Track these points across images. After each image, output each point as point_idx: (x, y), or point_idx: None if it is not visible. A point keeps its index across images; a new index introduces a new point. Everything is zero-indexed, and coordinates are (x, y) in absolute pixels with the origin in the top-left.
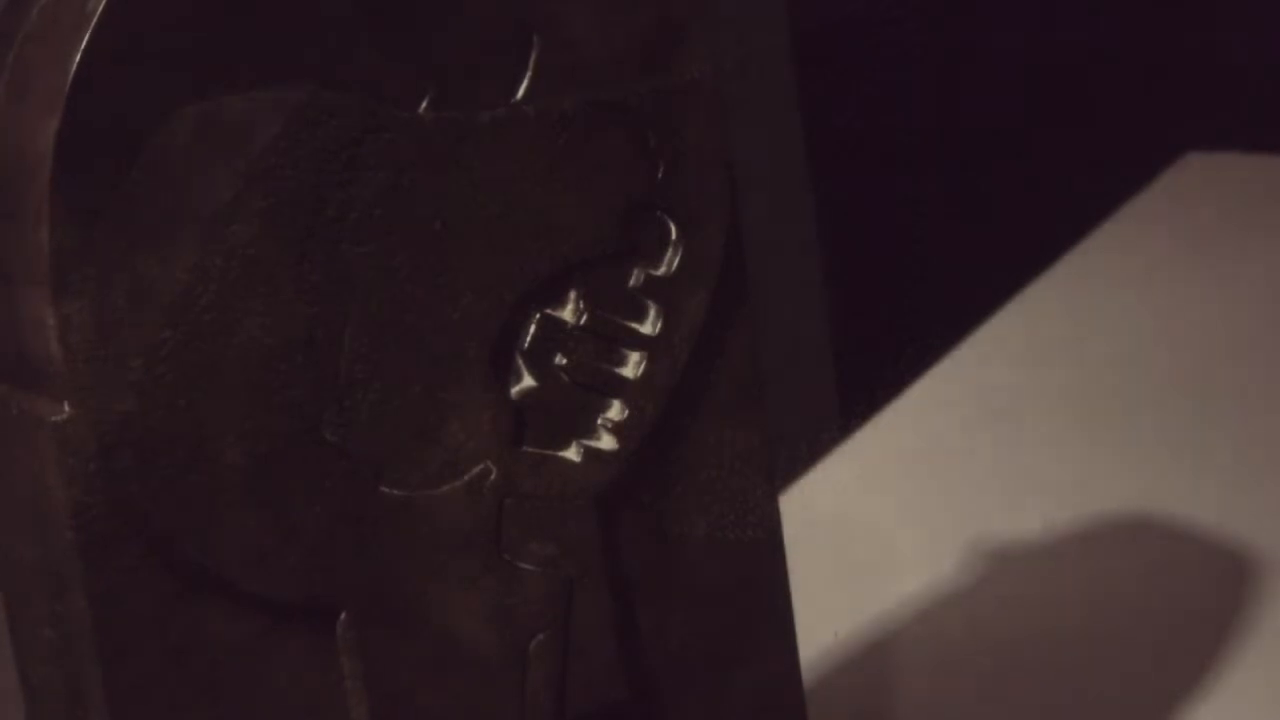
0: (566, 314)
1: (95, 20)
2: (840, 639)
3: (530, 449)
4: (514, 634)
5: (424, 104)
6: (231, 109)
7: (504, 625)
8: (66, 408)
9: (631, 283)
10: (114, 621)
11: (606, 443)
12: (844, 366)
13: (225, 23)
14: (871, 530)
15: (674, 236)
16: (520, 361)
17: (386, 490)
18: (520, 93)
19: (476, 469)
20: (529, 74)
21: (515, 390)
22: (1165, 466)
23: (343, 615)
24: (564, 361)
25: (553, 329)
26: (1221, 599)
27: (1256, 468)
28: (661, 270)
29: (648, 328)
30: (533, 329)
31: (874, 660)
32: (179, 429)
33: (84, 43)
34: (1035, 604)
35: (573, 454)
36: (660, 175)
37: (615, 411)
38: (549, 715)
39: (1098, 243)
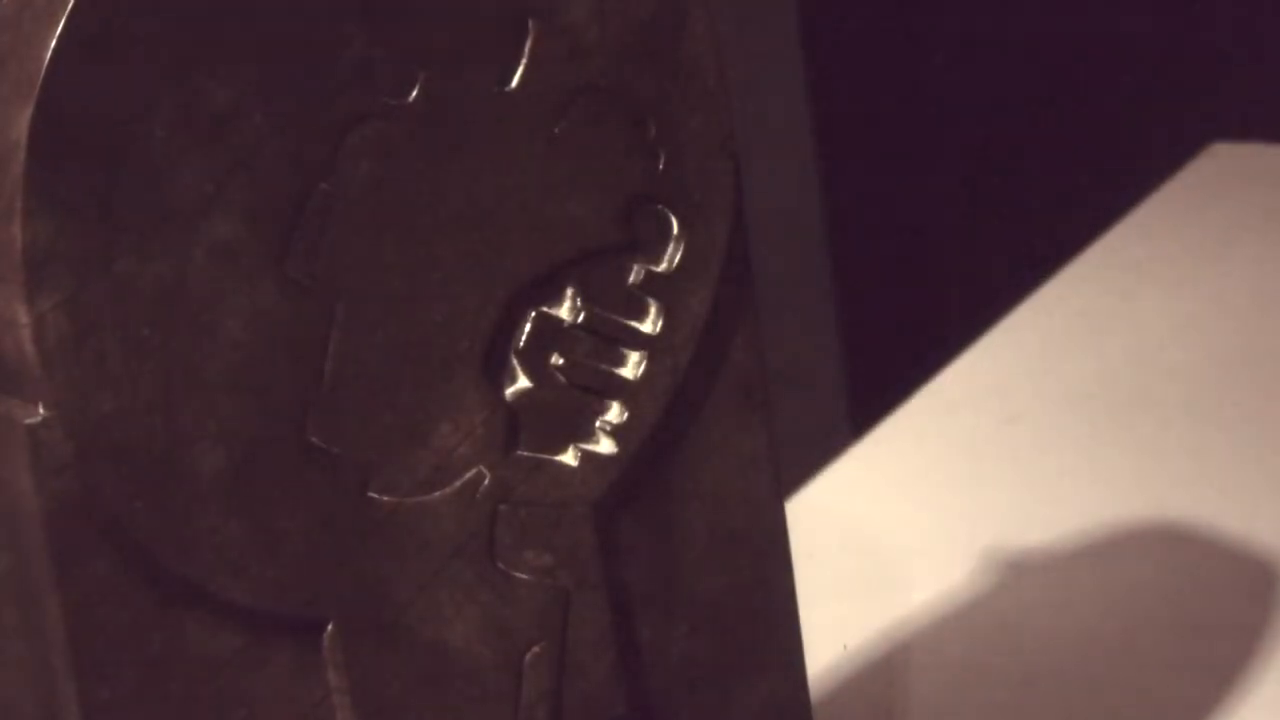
0: (563, 312)
1: (71, 4)
2: (850, 651)
3: (525, 453)
4: (508, 647)
5: (414, 91)
6: (212, 98)
7: (497, 638)
8: (40, 410)
9: (631, 279)
10: (89, 634)
11: (605, 446)
12: (853, 366)
13: (206, 7)
14: (882, 537)
15: (675, 231)
16: (515, 361)
17: (374, 496)
18: (515, 80)
19: (469, 474)
20: (524, 61)
21: (509, 391)
22: (1189, 470)
23: (329, 627)
24: (561, 361)
25: (549, 327)
26: (1247, 607)
27: None
28: (662, 266)
29: (648, 326)
30: (528, 327)
31: (885, 674)
32: (157, 432)
33: (59, 28)
34: (1053, 614)
35: (570, 458)
36: (661, 166)
37: (614, 414)
38: None
39: (1120, 237)
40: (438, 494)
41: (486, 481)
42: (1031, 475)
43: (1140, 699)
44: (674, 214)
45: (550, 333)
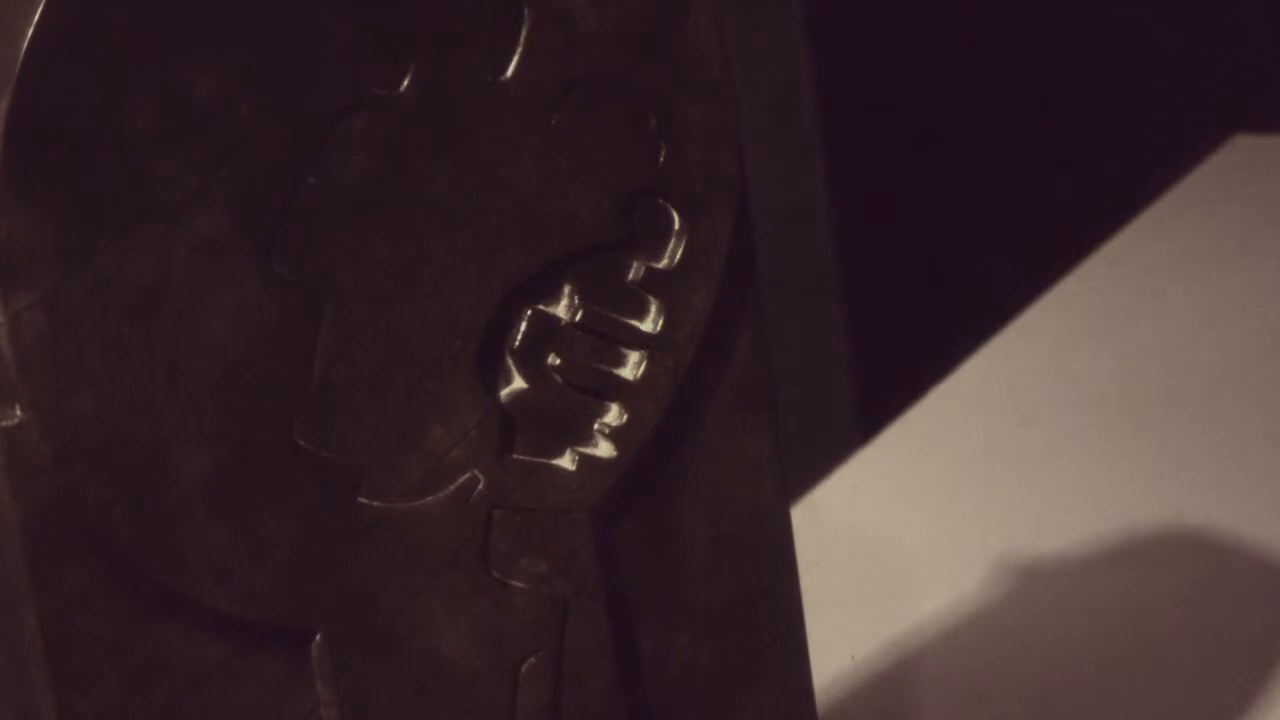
0: (560, 310)
1: None
2: (857, 662)
3: (521, 456)
4: (503, 657)
5: (406, 81)
6: (195, 88)
7: (492, 647)
8: (18, 412)
9: (631, 276)
10: (68, 644)
11: (604, 450)
12: (861, 366)
13: None
14: (891, 544)
15: (677, 226)
16: (510, 362)
17: (364, 501)
18: (510, 70)
19: (462, 478)
20: (519, 49)
21: (505, 393)
22: (1209, 473)
23: (317, 637)
24: (558, 362)
25: (545, 326)
26: (1269, 616)
27: None
28: (663, 263)
29: (648, 325)
30: (524, 326)
31: (894, 685)
32: (139, 435)
33: (38, 14)
34: (1068, 623)
35: (567, 462)
36: (662, 159)
37: (613, 416)
38: None
39: (1138, 232)
40: (430, 499)
41: (480, 486)
42: (1046, 479)
43: (1157, 711)
44: (675, 208)
45: (547, 332)
